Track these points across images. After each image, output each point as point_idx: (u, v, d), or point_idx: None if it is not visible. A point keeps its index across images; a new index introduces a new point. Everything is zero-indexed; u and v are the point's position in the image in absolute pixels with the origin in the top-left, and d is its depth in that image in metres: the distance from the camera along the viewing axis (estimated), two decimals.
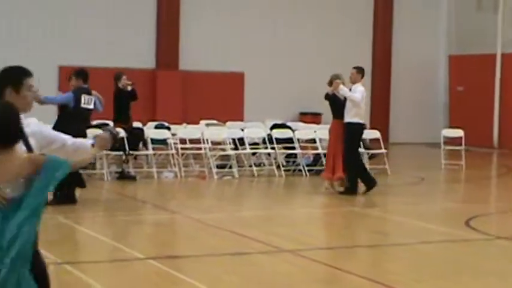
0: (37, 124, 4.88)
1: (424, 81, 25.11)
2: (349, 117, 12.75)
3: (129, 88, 14.61)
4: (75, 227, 9.87)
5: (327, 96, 13.13)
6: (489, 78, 23.47)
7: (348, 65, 23.74)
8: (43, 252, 7.94)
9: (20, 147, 4.19)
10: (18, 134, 4.06)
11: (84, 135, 11.64)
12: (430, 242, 9.25)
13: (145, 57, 21.73)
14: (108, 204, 12.45)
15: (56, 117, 11.83)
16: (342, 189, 12.97)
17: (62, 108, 11.77)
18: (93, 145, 4.72)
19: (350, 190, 12.77)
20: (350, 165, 12.78)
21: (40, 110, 16.58)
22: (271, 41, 22.95)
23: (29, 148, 4.40)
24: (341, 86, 12.82)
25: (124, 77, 14.69)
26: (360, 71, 13.27)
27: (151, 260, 7.90)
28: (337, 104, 12.98)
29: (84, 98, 11.61)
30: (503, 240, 9.34)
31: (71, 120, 11.28)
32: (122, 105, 14.66)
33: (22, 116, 4.19)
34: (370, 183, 12.87)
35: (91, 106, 11.77)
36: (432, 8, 25.01)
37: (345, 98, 12.79)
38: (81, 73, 11.90)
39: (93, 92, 11.88)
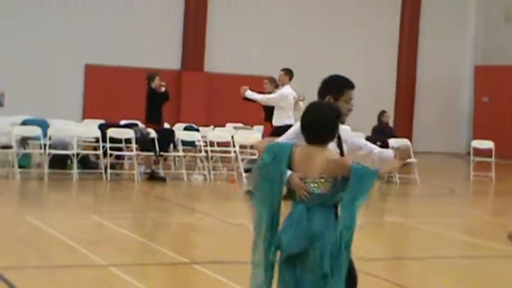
0: (348, 130, 4.96)
1: (449, 92, 24.94)
2: (275, 120, 12.69)
3: (163, 89, 14.51)
4: (114, 227, 9.74)
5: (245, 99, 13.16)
6: None
7: (373, 74, 23.86)
8: (86, 253, 7.88)
9: (334, 149, 4.55)
10: (332, 135, 4.43)
11: None
12: (474, 257, 9.09)
13: (171, 58, 21.64)
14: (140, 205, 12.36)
15: None
16: None
17: None
18: (395, 156, 4.73)
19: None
20: None
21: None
22: (297, 47, 22.81)
23: (342, 153, 4.68)
24: (248, 92, 12.88)
25: (157, 77, 14.59)
26: (287, 72, 13.07)
27: (197, 265, 7.76)
28: (265, 106, 13.01)
29: None
30: None
31: None
32: (154, 106, 14.58)
33: None
34: None
35: None
36: (459, 18, 24.85)
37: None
38: None
39: None
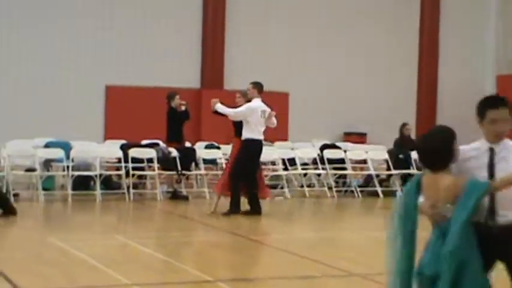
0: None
1: (471, 102, 24.67)
2: (243, 135, 12.37)
3: (183, 108, 14.59)
4: (138, 247, 9.77)
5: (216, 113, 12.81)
6: None
7: (393, 85, 23.83)
8: (110, 273, 7.89)
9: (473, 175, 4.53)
10: (446, 159, 4.51)
11: None
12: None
13: (190, 77, 21.71)
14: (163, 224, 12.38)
15: None
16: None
17: None
18: None
19: (232, 210, 12.38)
20: (235, 184, 12.42)
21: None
22: (316, 61, 22.83)
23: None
24: (218, 105, 12.51)
25: (177, 96, 14.68)
26: (256, 86, 12.73)
27: (221, 282, 7.76)
28: (235, 122, 12.68)
29: None
30: None
31: None
32: (175, 125, 14.65)
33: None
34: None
35: None
36: (480, 28, 24.74)
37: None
38: None
39: None
